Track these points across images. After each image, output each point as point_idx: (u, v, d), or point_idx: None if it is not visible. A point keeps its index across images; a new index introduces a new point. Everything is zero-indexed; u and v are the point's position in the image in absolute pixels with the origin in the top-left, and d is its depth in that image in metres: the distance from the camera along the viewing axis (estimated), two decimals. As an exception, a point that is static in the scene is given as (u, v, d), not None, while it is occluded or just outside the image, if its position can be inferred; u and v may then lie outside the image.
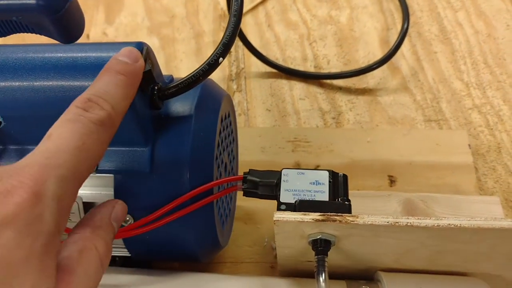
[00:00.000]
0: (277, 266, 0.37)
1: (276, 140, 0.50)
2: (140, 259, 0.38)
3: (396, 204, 0.41)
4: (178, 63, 0.59)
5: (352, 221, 0.29)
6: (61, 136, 0.21)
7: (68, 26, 0.25)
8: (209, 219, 0.33)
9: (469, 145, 0.49)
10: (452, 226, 0.28)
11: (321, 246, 0.30)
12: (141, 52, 0.28)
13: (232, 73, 0.58)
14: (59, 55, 0.30)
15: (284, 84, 0.56)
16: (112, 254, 0.30)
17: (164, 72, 0.33)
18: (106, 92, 0.24)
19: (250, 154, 0.49)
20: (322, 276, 0.29)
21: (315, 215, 0.29)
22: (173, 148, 0.31)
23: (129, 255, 0.35)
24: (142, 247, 0.34)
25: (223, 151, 0.36)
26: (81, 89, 0.24)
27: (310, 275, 0.30)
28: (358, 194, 0.43)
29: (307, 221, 0.29)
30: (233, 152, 0.41)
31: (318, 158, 0.49)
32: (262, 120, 0.53)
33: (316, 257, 0.30)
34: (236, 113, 0.50)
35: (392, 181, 0.48)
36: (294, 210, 0.30)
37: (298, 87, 0.56)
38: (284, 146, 0.50)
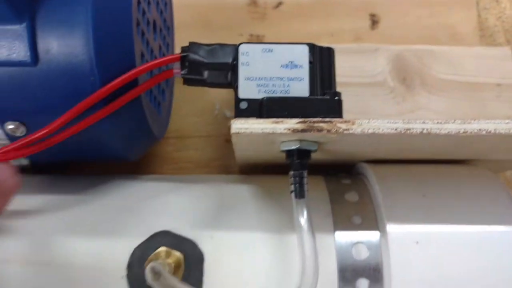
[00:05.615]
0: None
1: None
2: (50, 162, 0.28)
3: (385, 61, 0.32)
4: None
5: (346, 129, 0.20)
6: None
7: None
8: (136, 116, 0.23)
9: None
10: (484, 132, 0.20)
11: (299, 158, 0.21)
12: None
13: None
14: None
15: None
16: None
17: None
18: None
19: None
20: (301, 207, 0.21)
21: (293, 123, 0.20)
22: (63, 19, 0.20)
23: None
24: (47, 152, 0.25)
25: (147, 16, 0.25)
26: None
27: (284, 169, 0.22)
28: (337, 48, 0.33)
29: (280, 132, 0.20)
30: (166, 22, 0.29)
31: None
32: None
33: (292, 172, 0.22)
34: None
35: (374, 21, 0.38)
36: (261, 115, 0.21)
37: None
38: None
